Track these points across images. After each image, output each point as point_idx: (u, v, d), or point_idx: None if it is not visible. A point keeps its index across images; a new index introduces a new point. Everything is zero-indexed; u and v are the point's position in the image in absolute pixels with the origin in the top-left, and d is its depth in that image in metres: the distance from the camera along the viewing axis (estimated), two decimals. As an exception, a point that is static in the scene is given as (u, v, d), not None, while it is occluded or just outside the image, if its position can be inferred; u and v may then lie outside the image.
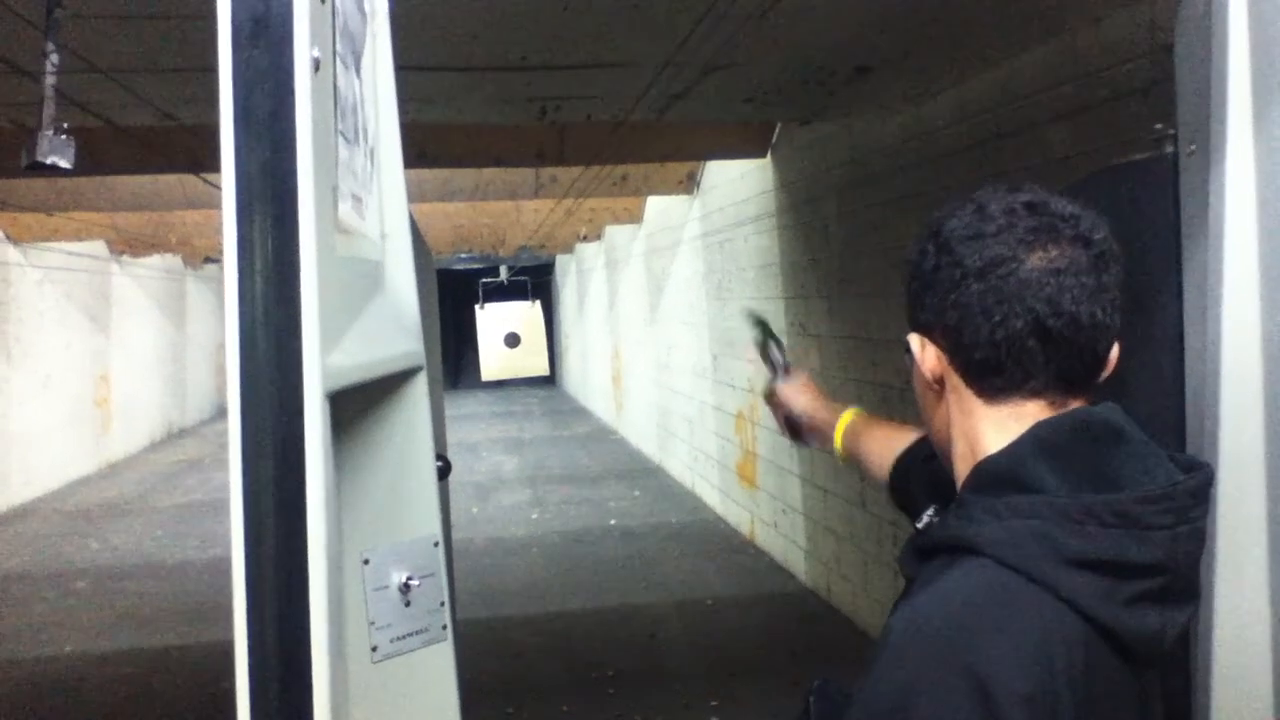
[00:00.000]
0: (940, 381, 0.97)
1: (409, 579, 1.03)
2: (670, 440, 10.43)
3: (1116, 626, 0.85)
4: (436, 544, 1.06)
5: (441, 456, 1.47)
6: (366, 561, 1.00)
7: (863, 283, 5.24)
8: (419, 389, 1.07)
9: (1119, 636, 0.85)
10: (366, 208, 1.04)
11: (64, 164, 1.34)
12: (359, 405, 1.01)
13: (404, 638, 1.03)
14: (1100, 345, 0.92)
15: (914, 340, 0.99)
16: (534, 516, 8.87)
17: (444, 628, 1.06)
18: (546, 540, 7.96)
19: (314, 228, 0.74)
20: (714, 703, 4.59)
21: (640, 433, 12.17)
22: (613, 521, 8.52)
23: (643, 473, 10.72)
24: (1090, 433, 0.89)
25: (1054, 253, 0.90)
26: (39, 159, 1.30)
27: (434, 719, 1.06)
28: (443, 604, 1.06)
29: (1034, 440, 0.90)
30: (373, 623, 1.00)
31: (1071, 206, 0.93)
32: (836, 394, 5.59)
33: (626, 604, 6.19)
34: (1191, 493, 0.88)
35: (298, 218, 0.73)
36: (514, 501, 9.56)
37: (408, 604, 1.03)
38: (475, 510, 9.18)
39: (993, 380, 0.93)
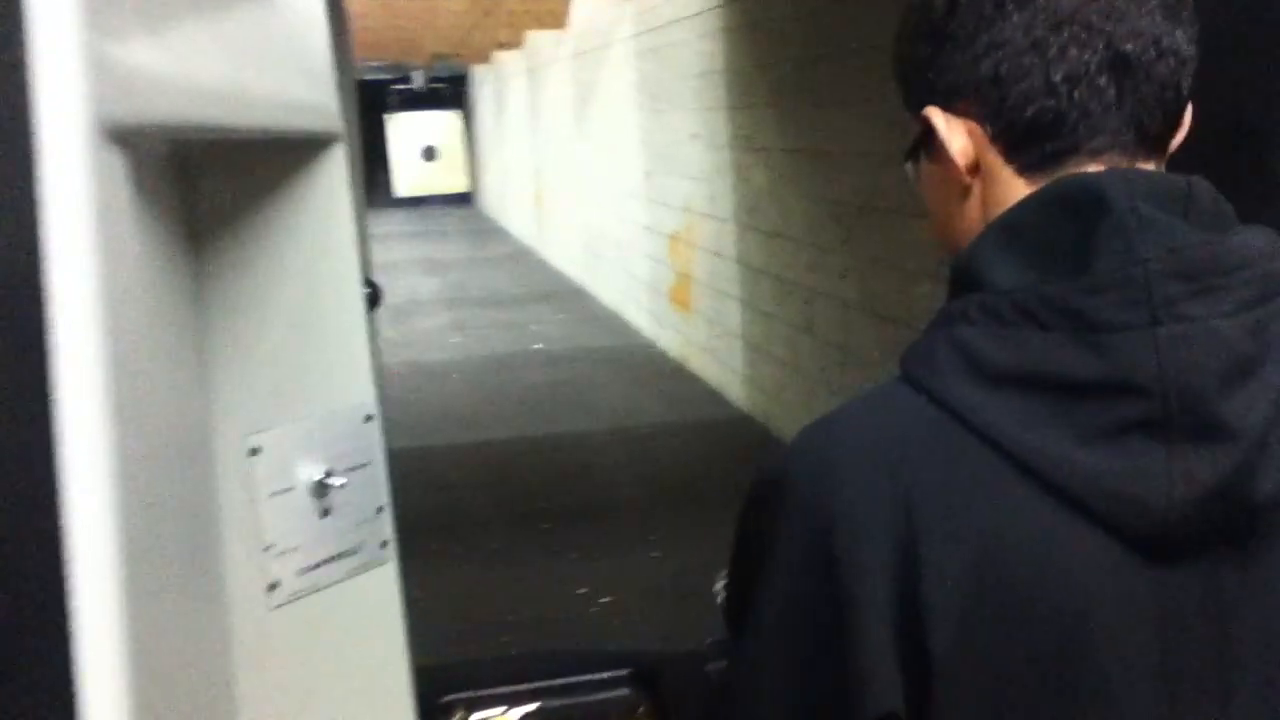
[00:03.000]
0: (975, 169, 0.71)
1: (328, 474, 0.64)
2: (596, 262, 10.02)
3: (1054, 472, 0.61)
4: (369, 418, 0.67)
5: (369, 282, 1.07)
6: (255, 451, 0.61)
7: (820, 90, 4.79)
8: (335, 172, 0.66)
9: (1070, 492, 0.61)
10: None
11: None
12: (229, 192, 0.60)
13: (321, 565, 0.65)
14: (1184, 82, 0.68)
15: (936, 117, 0.71)
16: (454, 340, 8.48)
17: (383, 545, 0.68)
18: (468, 365, 7.61)
19: None
20: (652, 536, 4.38)
21: (564, 254, 11.72)
22: (538, 345, 8.18)
23: (567, 295, 10.34)
24: (1065, 205, 0.65)
25: None
26: None
27: (372, 680, 0.69)
28: (380, 509, 0.68)
29: (999, 223, 0.68)
30: (269, 547, 0.62)
31: None
32: (786, 211, 5.22)
33: (556, 432, 5.92)
34: (1183, 273, 0.60)
35: None
36: (433, 325, 9.14)
37: (326, 513, 0.65)
38: (392, 334, 8.74)
39: (1046, 143, 0.68)
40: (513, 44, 12.36)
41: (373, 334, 0.98)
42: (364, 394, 0.66)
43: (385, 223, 18.01)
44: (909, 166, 0.79)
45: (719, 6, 5.94)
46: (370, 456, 0.67)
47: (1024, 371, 0.62)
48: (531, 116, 13.10)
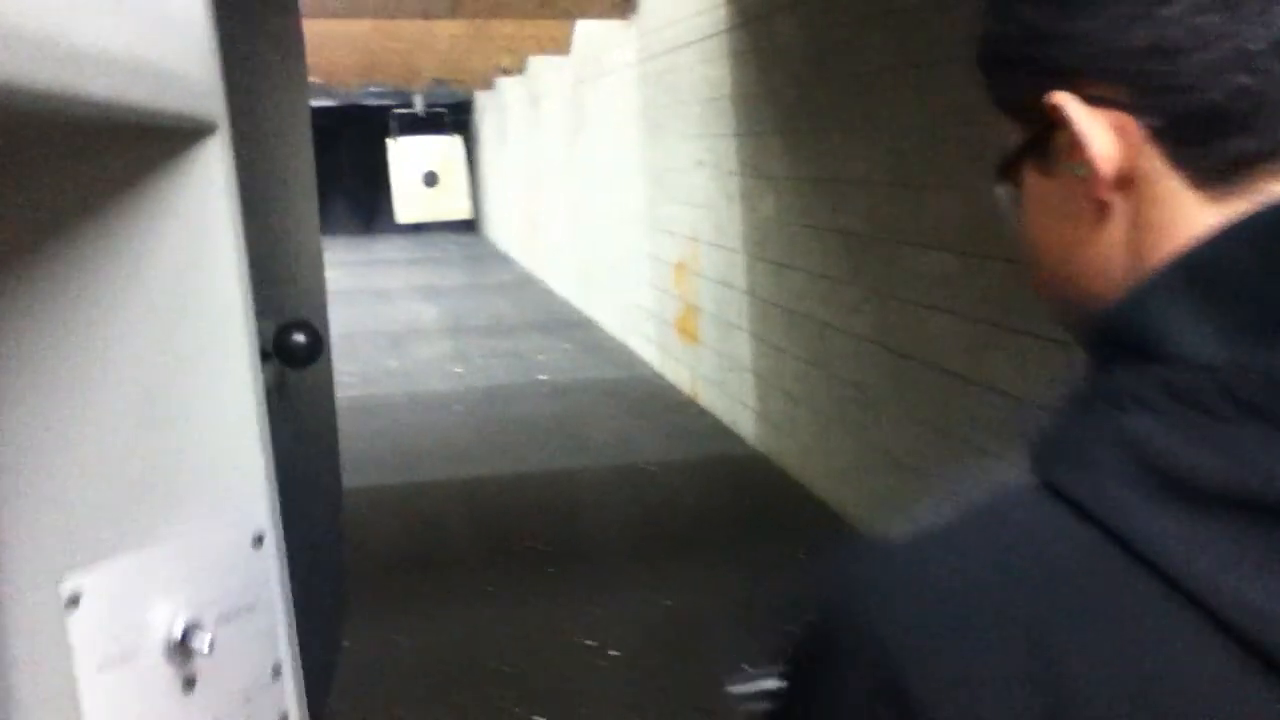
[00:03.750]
0: (1122, 180, 0.49)
1: (192, 628, 0.43)
2: (600, 291, 9.83)
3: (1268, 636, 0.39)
4: (260, 539, 0.46)
5: (303, 325, 0.85)
6: (74, 600, 0.40)
7: (826, 116, 4.60)
8: (211, 176, 0.45)
9: None
10: None
11: None
12: (44, 200, 0.39)
13: (180, 762, 0.44)
14: None
15: (1071, 106, 0.49)
16: (455, 370, 8.28)
17: (281, 722, 0.47)
18: (470, 397, 7.40)
19: None
20: (655, 580, 4.15)
21: (568, 282, 11.55)
22: (542, 376, 7.98)
23: (571, 325, 10.15)
24: None
25: None
26: None
27: None
28: (276, 670, 0.47)
29: (1184, 263, 0.47)
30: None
31: None
32: (795, 241, 5.03)
33: (558, 468, 5.70)
34: None
35: None
36: (433, 354, 8.94)
37: (190, 685, 0.44)
38: (392, 363, 8.55)
39: (1234, 141, 0.47)
40: (515, 70, 12.24)
41: (315, 387, 0.77)
42: (252, 503, 0.45)
43: (387, 248, 17.89)
44: (1000, 189, 0.57)
45: (724, 32, 5.77)
46: (260, 594, 0.46)
47: (1243, 490, 0.40)
48: (534, 143, 12.96)
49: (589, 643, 3.69)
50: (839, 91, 4.45)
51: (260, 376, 0.46)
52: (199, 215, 0.42)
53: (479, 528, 4.91)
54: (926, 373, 3.87)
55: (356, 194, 20.74)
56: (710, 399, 6.64)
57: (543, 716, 3.26)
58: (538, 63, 11.59)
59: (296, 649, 0.46)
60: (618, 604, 3.99)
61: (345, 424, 6.64)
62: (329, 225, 20.84)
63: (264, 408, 0.45)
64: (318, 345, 0.93)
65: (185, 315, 0.43)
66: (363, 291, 12.79)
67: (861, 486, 4.52)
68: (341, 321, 10.43)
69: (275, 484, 0.46)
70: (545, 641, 3.73)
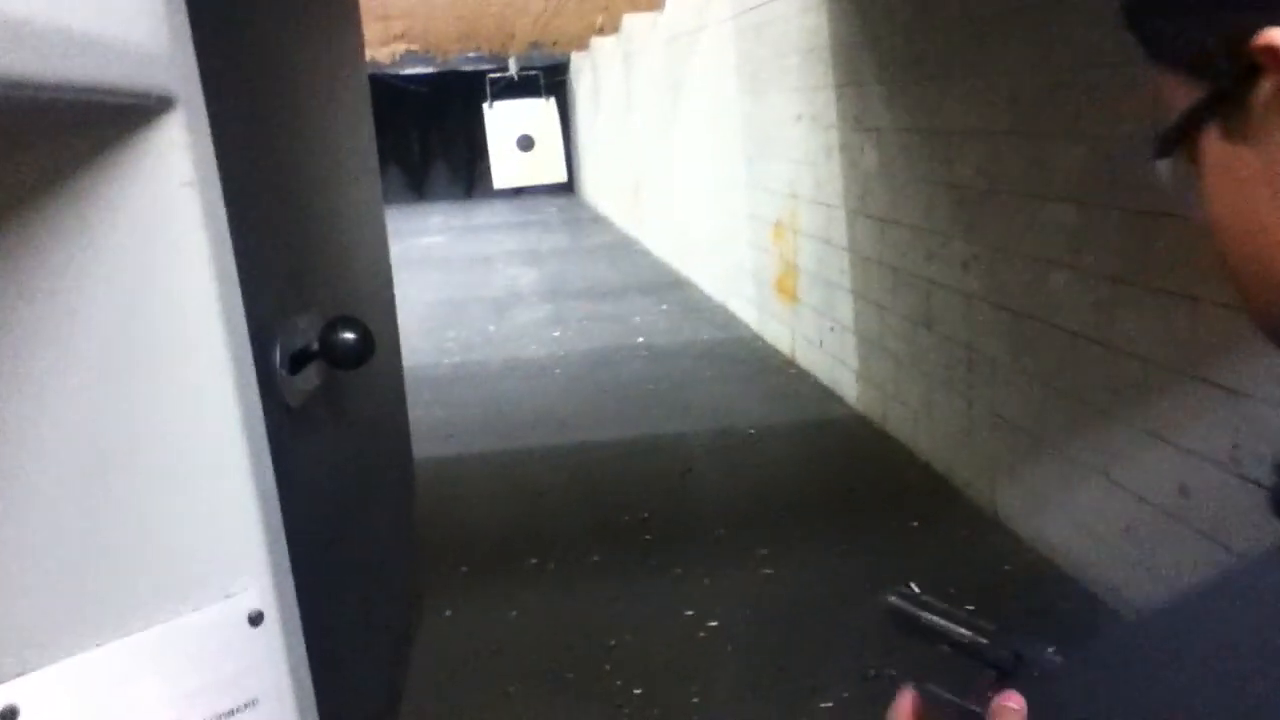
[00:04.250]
0: None
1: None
2: (698, 251, 9.69)
3: None
4: (258, 617, 0.39)
5: (351, 322, 0.77)
6: (10, 716, 0.32)
7: (934, 64, 4.37)
8: (168, 163, 0.37)
9: None
10: None
11: None
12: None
13: None
14: None
15: None
16: (555, 335, 8.27)
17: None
18: (569, 361, 7.38)
19: None
20: (763, 550, 4.06)
21: (665, 243, 11.43)
22: (640, 339, 7.90)
23: (669, 286, 10.04)
24: None
25: None
26: None
27: None
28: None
29: None
30: None
31: None
32: (900, 195, 4.82)
33: (658, 433, 5.63)
34: None
35: None
36: (533, 318, 8.95)
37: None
38: (492, 328, 8.59)
39: None
40: (610, 29, 12.09)
41: (377, 381, 0.69)
42: (246, 572, 0.37)
43: (487, 213, 18.03)
44: (1164, 164, 0.45)
45: (824, -24, 5.54)
46: (263, 682, 0.38)
47: None
48: (629, 102, 12.82)
49: (688, 613, 3.63)
50: (948, 37, 4.22)
51: (258, 411, 0.38)
52: (156, 211, 0.34)
53: (578, 494, 4.88)
54: (1046, 332, 3.67)
55: (456, 160, 20.91)
56: (810, 360, 6.48)
57: (640, 688, 3.21)
58: (632, 20, 11.42)
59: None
60: (717, 573, 3.91)
61: (446, 391, 6.69)
62: (431, 192, 21.12)
63: (261, 448, 0.37)
64: (369, 343, 0.84)
65: (143, 338, 0.35)
66: (464, 258, 12.90)
67: (973, 451, 4.34)
68: (444, 287, 10.55)
69: (283, 543, 0.38)
70: (643, 611, 3.68)
